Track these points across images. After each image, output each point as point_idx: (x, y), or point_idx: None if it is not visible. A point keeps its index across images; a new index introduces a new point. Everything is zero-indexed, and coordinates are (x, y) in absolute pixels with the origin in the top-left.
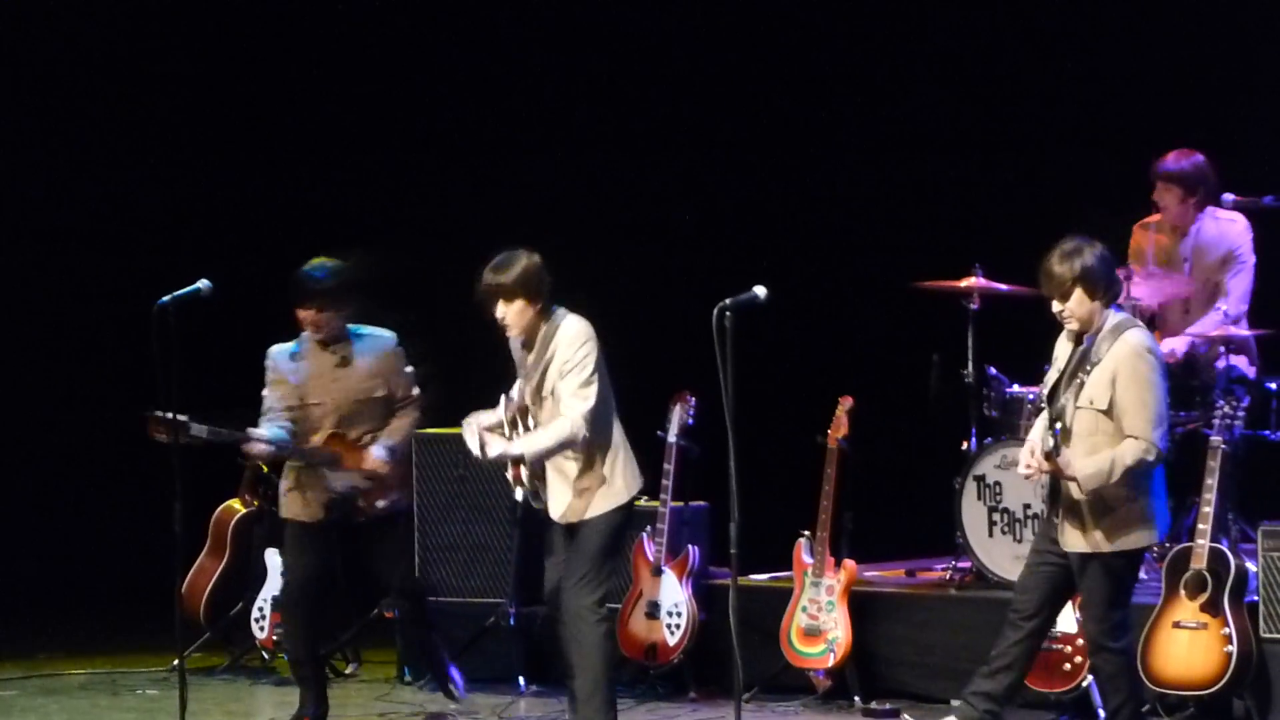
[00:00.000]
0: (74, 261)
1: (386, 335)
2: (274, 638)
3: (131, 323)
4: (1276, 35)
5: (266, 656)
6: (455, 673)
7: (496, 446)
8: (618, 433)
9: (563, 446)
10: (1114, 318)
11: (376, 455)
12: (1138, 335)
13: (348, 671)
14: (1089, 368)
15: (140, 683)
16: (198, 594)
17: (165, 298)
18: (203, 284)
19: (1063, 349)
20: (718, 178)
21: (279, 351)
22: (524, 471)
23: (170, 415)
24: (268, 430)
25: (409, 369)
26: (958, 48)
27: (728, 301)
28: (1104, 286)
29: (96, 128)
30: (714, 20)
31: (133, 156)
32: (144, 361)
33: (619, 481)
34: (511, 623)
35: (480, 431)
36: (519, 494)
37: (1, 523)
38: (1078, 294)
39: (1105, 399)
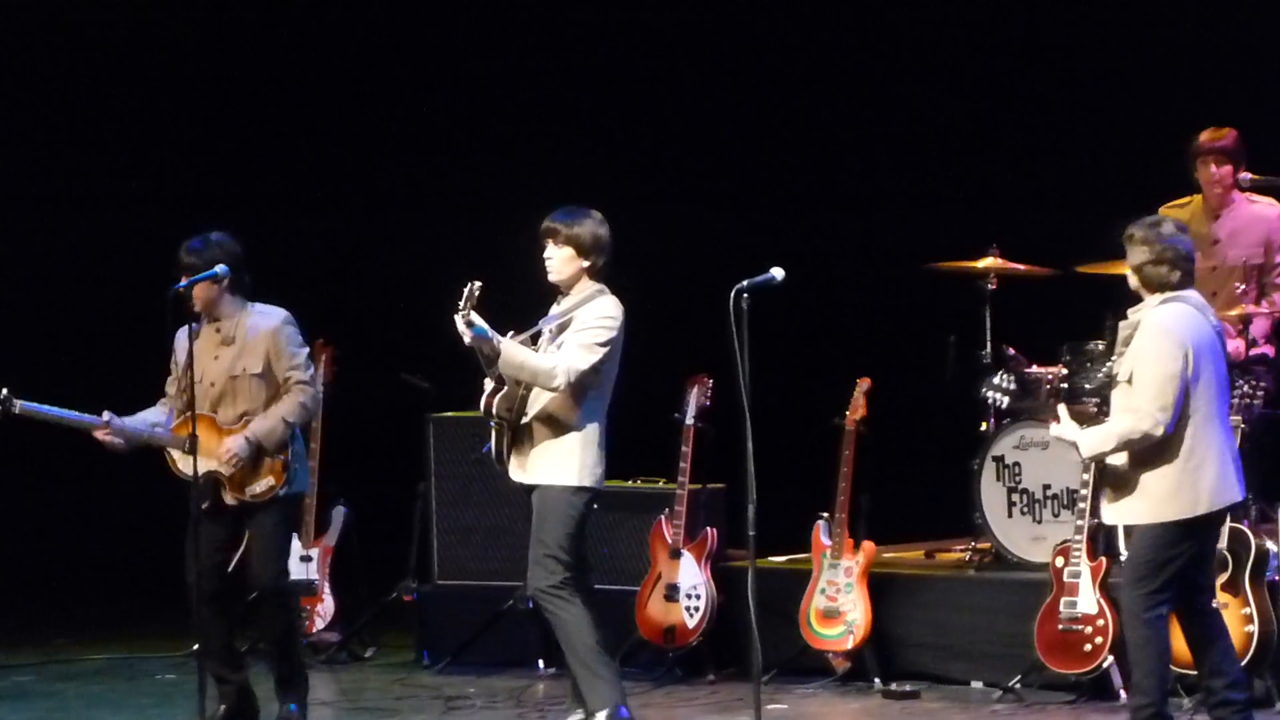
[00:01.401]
0: (92, 244)
1: (274, 312)
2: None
3: (149, 306)
4: None
5: None
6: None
7: (488, 327)
8: (599, 426)
9: (536, 376)
10: (1160, 297)
11: (229, 445)
12: (1159, 312)
13: (366, 655)
14: (1128, 345)
15: (158, 668)
16: None
17: (182, 282)
18: (220, 269)
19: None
20: (735, 158)
21: (183, 329)
22: (497, 399)
23: None
24: (153, 413)
25: (299, 349)
26: (976, 27)
27: (745, 283)
28: (1149, 265)
29: (112, 107)
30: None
31: (149, 136)
32: (162, 346)
33: (576, 462)
34: (529, 605)
35: (474, 311)
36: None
37: (19, 508)
38: (1128, 257)
39: (1128, 373)
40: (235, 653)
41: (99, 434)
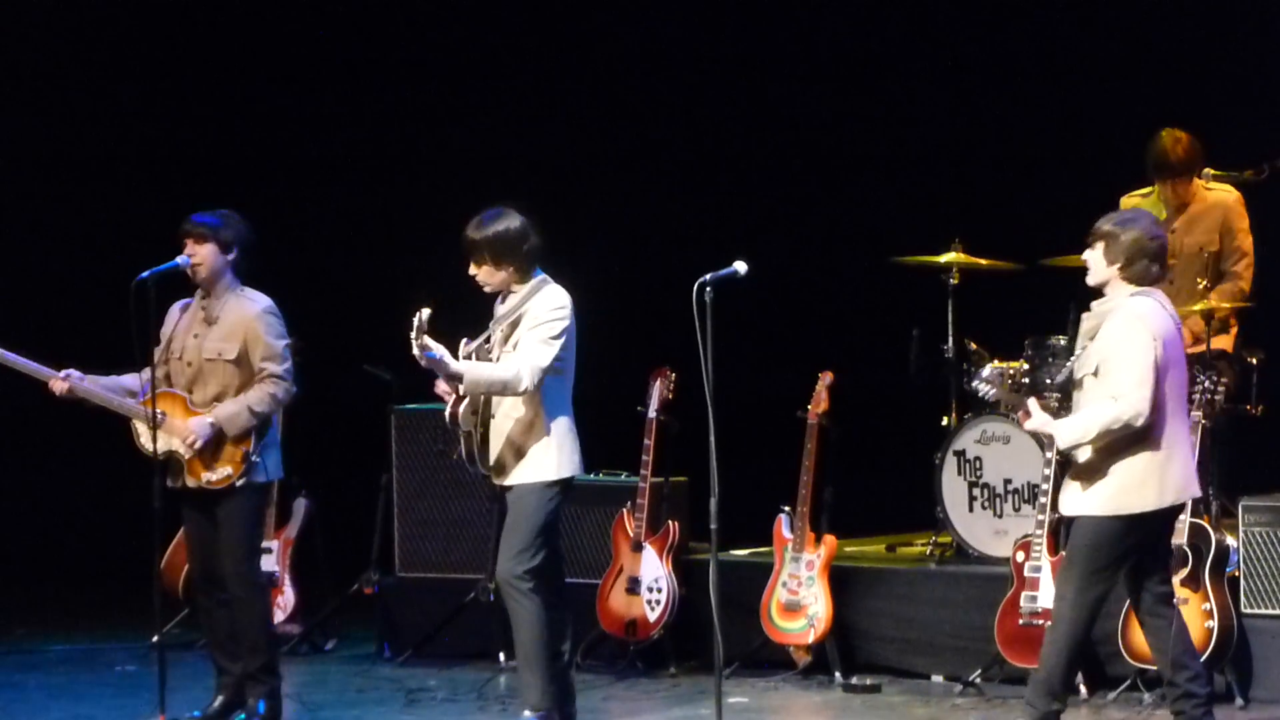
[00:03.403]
0: (55, 235)
1: (258, 299)
2: None
3: (112, 297)
4: (1253, 10)
5: None
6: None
7: (443, 354)
8: (568, 415)
9: (502, 386)
10: (1131, 290)
11: (191, 425)
12: (1132, 303)
13: (327, 647)
14: (1091, 339)
15: (119, 658)
16: (176, 570)
17: (145, 273)
18: (182, 259)
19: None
20: (700, 151)
21: (178, 303)
22: (461, 407)
23: None
24: (131, 379)
25: (277, 340)
26: (938, 21)
27: (708, 276)
28: (1126, 261)
29: (74, 94)
30: None
31: (115, 125)
32: (124, 336)
33: (553, 455)
34: (491, 598)
35: (427, 336)
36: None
37: None
38: (1098, 248)
39: (1093, 366)
40: (238, 643)
41: (54, 386)
